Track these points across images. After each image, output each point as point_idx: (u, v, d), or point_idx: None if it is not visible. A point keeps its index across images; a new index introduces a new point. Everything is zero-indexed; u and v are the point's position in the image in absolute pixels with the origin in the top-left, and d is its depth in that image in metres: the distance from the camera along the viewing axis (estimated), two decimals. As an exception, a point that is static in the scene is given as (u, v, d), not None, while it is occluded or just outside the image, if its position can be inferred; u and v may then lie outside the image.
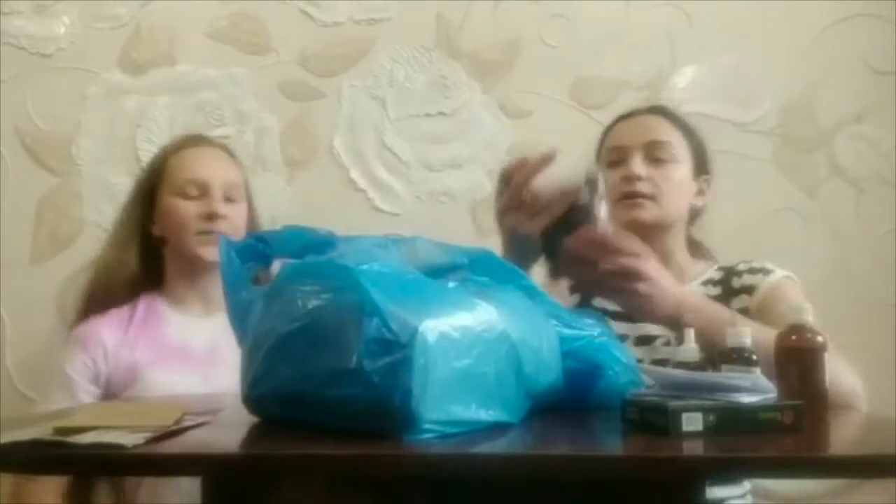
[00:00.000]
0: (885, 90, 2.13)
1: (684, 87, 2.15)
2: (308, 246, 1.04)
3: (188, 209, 1.66)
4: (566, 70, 2.15)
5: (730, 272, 1.52)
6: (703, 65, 2.17)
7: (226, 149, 1.79)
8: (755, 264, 1.51)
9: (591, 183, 1.22)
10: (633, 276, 1.18)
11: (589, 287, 1.31)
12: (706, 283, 1.52)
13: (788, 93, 2.16)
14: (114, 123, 2.12)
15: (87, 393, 1.61)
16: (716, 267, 1.57)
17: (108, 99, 2.12)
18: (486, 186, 2.13)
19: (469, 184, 2.13)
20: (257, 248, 1.07)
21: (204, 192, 1.67)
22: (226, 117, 2.13)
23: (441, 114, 2.15)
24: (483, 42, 2.16)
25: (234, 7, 2.15)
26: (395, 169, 2.13)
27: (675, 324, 1.21)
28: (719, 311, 1.25)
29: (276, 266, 1.05)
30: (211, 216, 1.65)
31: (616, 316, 1.37)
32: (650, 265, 1.20)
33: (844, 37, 2.15)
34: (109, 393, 1.61)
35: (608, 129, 1.63)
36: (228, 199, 1.69)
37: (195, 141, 1.77)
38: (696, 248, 1.63)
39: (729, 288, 1.49)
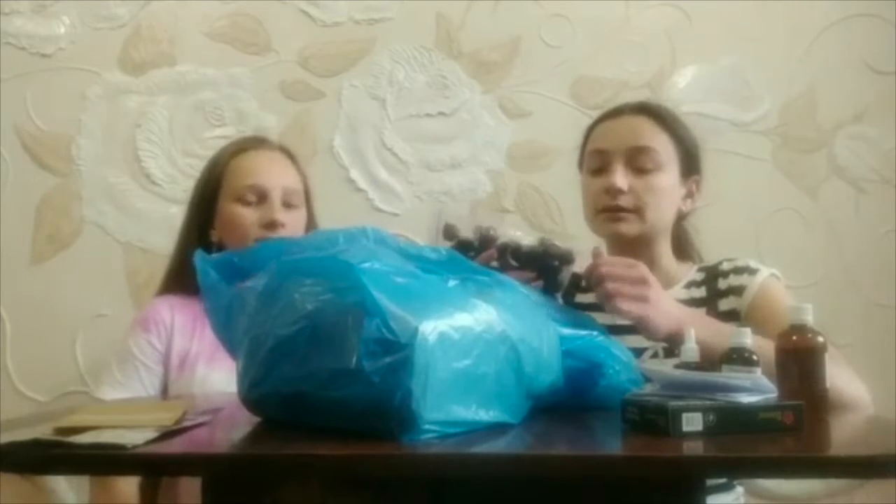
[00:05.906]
0: (885, 90, 2.13)
1: (684, 87, 2.15)
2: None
3: (248, 217, 1.61)
4: (566, 70, 2.15)
5: (713, 273, 1.48)
6: (703, 65, 2.17)
7: (286, 152, 1.73)
8: (739, 263, 1.46)
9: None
10: (636, 299, 1.20)
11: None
12: (689, 285, 1.48)
13: (788, 93, 2.16)
14: (114, 123, 2.11)
15: (149, 372, 1.57)
16: (696, 268, 1.51)
17: (108, 99, 2.12)
18: (486, 186, 2.14)
19: (469, 183, 2.13)
20: (233, 264, 1.05)
21: (263, 198, 1.62)
22: (226, 117, 2.13)
23: (441, 114, 2.15)
24: (483, 42, 2.16)
25: (234, 7, 2.15)
26: (395, 169, 2.13)
27: (676, 341, 1.21)
28: (717, 324, 1.25)
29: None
30: (270, 225, 1.60)
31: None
32: (651, 291, 1.21)
33: (844, 37, 2.15)
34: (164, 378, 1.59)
35: (591, 130, 1.53)
36: (288, 205, 1.64)
37: (255, 144, 1.72)
38: (682, 250, 1.56)
39: (714, 289, 1.45)
